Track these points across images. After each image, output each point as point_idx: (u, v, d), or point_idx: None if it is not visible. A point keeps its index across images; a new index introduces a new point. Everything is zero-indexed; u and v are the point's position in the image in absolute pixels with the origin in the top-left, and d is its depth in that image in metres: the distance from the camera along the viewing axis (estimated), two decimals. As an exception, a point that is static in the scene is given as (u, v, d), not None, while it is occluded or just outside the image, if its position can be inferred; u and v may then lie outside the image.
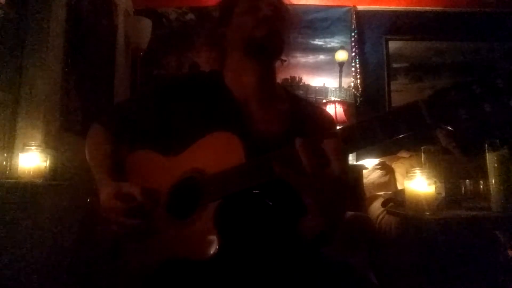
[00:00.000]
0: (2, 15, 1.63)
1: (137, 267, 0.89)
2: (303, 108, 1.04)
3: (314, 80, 3.13)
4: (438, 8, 3.19)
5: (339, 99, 2.93)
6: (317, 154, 0.68)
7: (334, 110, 2.82)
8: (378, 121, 0.67)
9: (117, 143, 1.03)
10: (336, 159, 0.67)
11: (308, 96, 3.04)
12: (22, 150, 1.59)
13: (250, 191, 0.78)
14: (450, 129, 0.63)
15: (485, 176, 1.64)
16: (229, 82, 1.02)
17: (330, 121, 1.06)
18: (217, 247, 0.76)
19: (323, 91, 3.04)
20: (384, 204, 2.02)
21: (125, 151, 1.03)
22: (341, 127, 0.74)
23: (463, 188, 1.82)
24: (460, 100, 0.61)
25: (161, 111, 1.00)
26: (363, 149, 0.70)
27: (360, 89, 3.10)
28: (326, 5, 3.23)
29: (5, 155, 1.60)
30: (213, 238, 0.77)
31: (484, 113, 0.59)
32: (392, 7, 3.23)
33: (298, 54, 3.12)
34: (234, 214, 0.82)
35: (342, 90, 3.04)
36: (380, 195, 2.36)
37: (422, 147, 1.77)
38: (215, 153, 0.84)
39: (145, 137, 1.02)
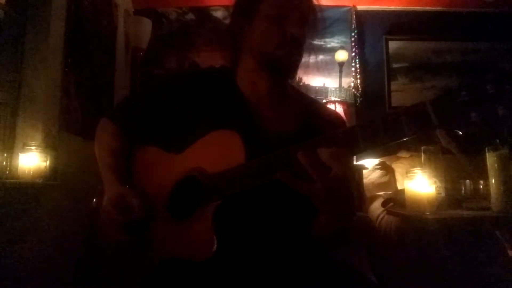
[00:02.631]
0: (2, 15, 1.63)
1: (135, 265, 0.89)
2: (313, 108, 1.02)
3: (314, 80, 3.13)
4: (438, 8, 3.19)
5: (339, 99, 2.93)
6: (318, 162, 0.66)
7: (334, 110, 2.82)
8: (380, 122, 0.63)
9: (125, 138, 1.01)
10: (335, 164, 0.65)
11: (308, 96, 3.03)
12: (22, 150, 1.59)
13: (250, 192, 0.76)
14: (458, 133, 0.58)
15: (485, 176, 1.64)
16: (241, 82, 0.99)
17: (338, 121, 1.03)
18: (213, 249, 0.75)
19: (323, 91, 3.03)
20: (384, 204, 2.03)
21: (133, 146, 1.01)
22: (342, 129, 0.71)
23: (463, 188, 1.82)
24: (471, 101, 0.56)
25: (169, 106, 0.97)
26: (364, 152, 0.67)
27: (360, 89, 3.09)
28: (326, 5, 3.22)
29: (5, 155, 1.60)
30: (211, 239, 0.76)
31: (497, 116, 0.55)
32: (392, 7, 3.23)
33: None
34: (233, 216, 0.81)
35: (342, 90, 3.03)
36: (380, 195, 2.36)
37: (422, 147, 1.77)
38: (217, 152, 0.83)
39: (152, 133, 1.00)
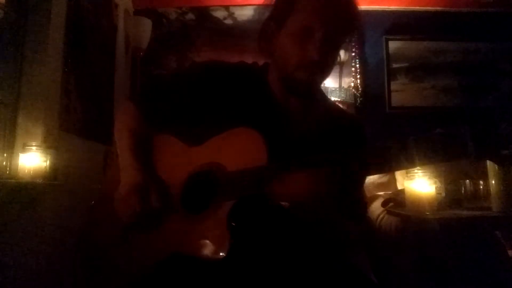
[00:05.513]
0: (2, 15, 1.63)
1: (139, 256, 0.87)
2: (338, 116, 1.02)
3: (314, 80, 3.12)
4: (438, 8, 3.19)
5: (339, 99, 2.92)
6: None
7: (334, 110, 2.81)
8: (414, 145, 0.62)
9: (146, 123, 0.99)
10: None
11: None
12: (22, 150, 1.59)
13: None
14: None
15: (485, 176, 1.64)
16: (272, 81, 0.99)
17: (359, 133, 1.01)
18: (227, 250, 0.74)
19: (323, 91, 3.03)
20: (384, 204, 2.02)
21: (152, 132, 0.99)
22: (369, 147, 0.69)
23: (463, 188, 1.82)
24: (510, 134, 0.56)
25: (195, 95, 0.96)
26: (389, 172, 0.67)
27: (360, 89, 3.09)
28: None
29: (5, 155, 1.60)
30: (224, 240, 0.75)
31: None
32: (392, 7, 3.22)
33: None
34: (248, 217, 0.80)
35: (342, 90, 3.03)
36: (380, 195, 2.36)
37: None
38: (237, 150, 0.81)
39: (173, 121, 0.98)
